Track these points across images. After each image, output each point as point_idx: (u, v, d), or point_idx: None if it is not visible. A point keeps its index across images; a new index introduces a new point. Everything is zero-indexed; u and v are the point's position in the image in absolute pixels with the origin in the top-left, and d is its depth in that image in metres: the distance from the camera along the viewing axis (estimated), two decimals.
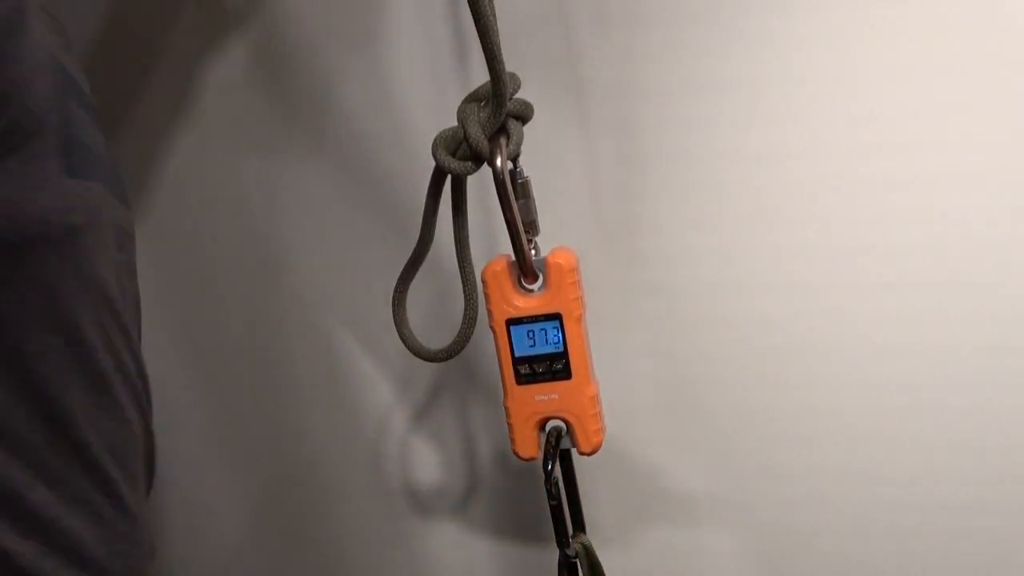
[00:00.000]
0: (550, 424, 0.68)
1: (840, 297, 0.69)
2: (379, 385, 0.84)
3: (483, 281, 0.67)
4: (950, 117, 0.64)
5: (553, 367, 0.66)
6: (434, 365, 0.79)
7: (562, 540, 0.70)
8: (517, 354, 0.66)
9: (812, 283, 0.69)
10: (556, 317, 0.65)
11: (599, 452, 0.68)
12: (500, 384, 0.68)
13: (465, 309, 0.68)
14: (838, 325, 0.70)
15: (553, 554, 0.71)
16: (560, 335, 0.65)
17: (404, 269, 0.71)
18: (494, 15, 0.60)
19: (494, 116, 0.62)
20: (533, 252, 0.66)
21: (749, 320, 0.71)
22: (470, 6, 0.58)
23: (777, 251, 0.69)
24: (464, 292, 0.69)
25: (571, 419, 0.67)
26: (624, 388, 0.76)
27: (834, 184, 0.67)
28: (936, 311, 0.67)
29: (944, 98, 0.64)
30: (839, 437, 0.71)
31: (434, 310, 0.78)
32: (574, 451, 0.69)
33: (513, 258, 0.66)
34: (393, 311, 0.71)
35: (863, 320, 0.69)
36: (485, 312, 0.68)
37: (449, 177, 0.66)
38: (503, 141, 0.63)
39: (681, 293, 0.73)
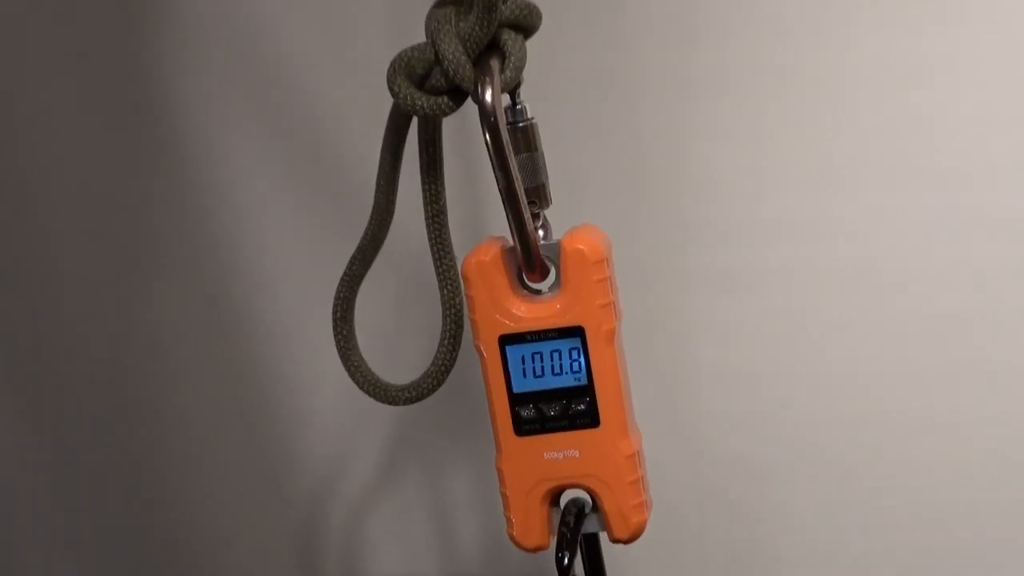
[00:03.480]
0: (567, 496, 0.64)
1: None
2: (313, 441, 0.83)
3: (465, 278, 0.61)
4: None
5: (571, 409, 0.61)
6: (394, 410, 0.76)
7: None
8: (516, 389, 0.61)
9: None
10: (576, 333, 0.60)
11: (641, 538, 0.63)
12: (490, 435, 0.63)
13: (443, 322, 0.64)
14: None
15: None
16: (582, 360, 0.61)
17: (350, 264, 0.66)
18: None
19: (481, 25, 0.58)
20: (541, 234, 0.62)
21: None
22: None
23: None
24: (442, 296, 0.64)
25: (598, 489, 0.62)
26: (683, 438, 0.75)
27: None
28: None
29: None
30: None
31: (396, 325, 0.78)
32: (604, 537, 0.64)
33: (510, 243, 0.61)
34: (334, 328, 0.67)
35: None
36: (468, 325, 0.63)
37: (415, 122, 0.62)
38: (495, 64, 0.59)
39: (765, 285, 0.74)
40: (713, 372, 0.79)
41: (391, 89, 0.59)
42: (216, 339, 0.88)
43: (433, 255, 0.65)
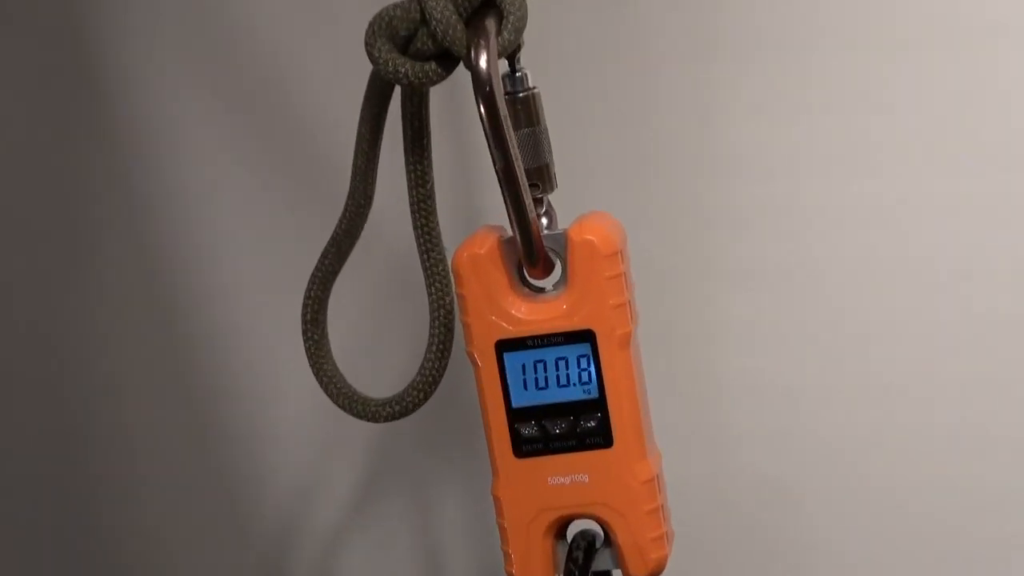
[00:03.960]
0: (574, 528, 0.62)
1: None
2: (277, 464, 0.83)
3: (456, 274, 0.60)
4: None
5: (580, 426, 0.59)
6: (373, 429, 0.73)
7: None
8: (516, 403, 0.59)
9: None
10: (585, 337, 0.58)
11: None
12: (486, 457, 0.62)
13: (431, 325, 0.62)
14: None
15: None
16: (593, 369, 0.59)
17: (322, 258, 0.64)
18: None
19: None
20: (545, 222, 0.59)
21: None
22: None
23: None
24: (429, 295, 0.63)
25: (611, 519, 0.60)
26: (707, 457, 0.76)
27: None
28: None
29: None
30: None
31: (376, 328, 0.78)
32: (617, 575, 0.63)
33: (509, 233, 0.59)
34: (304, 333, 0.65)
35: None
36: (460, 329, 0.62)
37: (398, 92, 0.60)
38: (491, 24, 0.56)
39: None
40: (740, 382, 0.77)
41: (370, 54, 0.57)
42: (164, 345, 0.87)
43: (419, 247, 0.63)
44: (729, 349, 0.77)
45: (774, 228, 0.75)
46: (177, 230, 0.84)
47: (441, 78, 0.57)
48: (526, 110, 0.59)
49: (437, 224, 0.63)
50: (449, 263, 0.62)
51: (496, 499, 0.61)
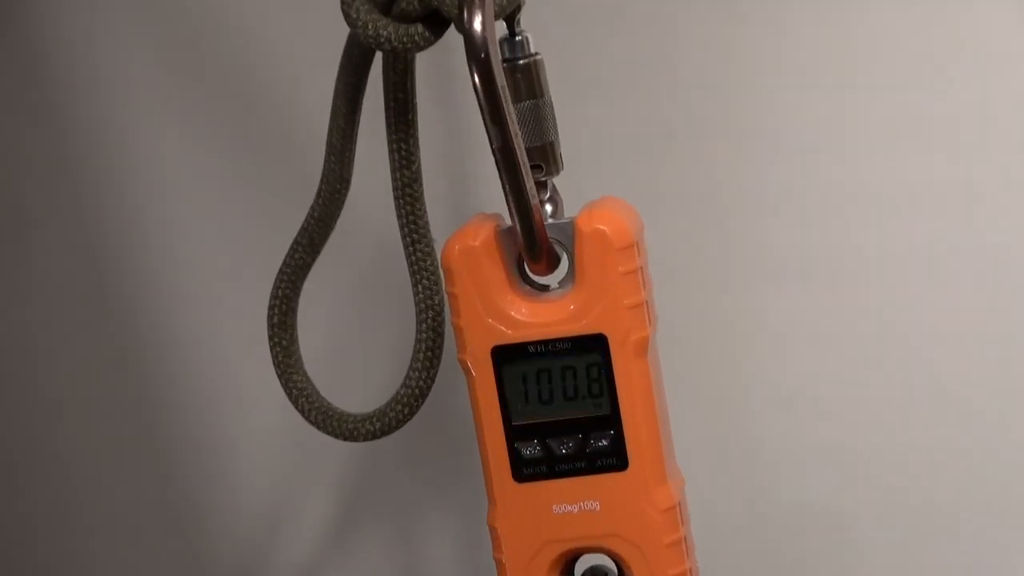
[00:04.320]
0: (583, 563, 0.58)
1: None
2: (240, 491, 0.81)
3: (446, 270, 0.56)
4: None
5: (590, 446, 0.56)
6: (352, 447, 0.72)
7: None
8: (516, 419, 0.56)
9: None
10: (596, 344, 0.55)
11: None
12: (481, 481, 0.59)
13: (418, 329, 0.59)
14: None
15: None
16: (604, 380, 0.55)
17: (291, 251, 0.62)
18: None
19: None
20: (549, 209, 0.56)
21: None
22: None
23: None
24: (415, 294, 0.60)
25: (626, 553, 0.57)
26: (737, 481, 0.75)
27: None
28: None
29: None
30: None
31: (354, 333, 0.78)
32: None
33: (507, 222, 0.55)
34: (271, 338, 0.62)
35: None
36: (451, 333, 0.59)
37: (379, 59, 0.57)
38: None
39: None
40: (775, 393, 0.74)
41: (346, 15, 0.54)
42: (105, 354, 0.83)
43: (404, 239, 0.59)
44: (762, 355, 0.74)
45: (815, 213, 0.72)
46: (121, 217, 0.82)
47: (429, 43, 0.54)
48: (527, 80, 0.55)
49: (424, 212, 0.59)
50: (438, 257, 0.58)
51: (493, 530, 0.58)
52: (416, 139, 0.58)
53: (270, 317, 0.62)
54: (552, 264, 0.55)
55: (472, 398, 0.57)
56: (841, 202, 0.71)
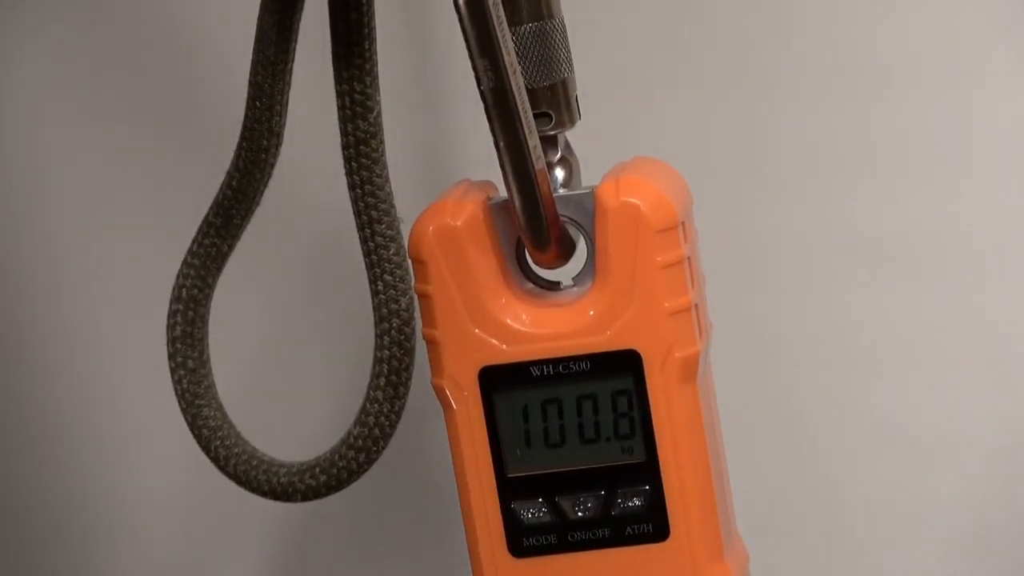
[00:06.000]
0: None
1: None
2: (136, 559, 0.75)
3: (417, 260, 0.49)
4: None
5: (617, 507, 0.50)
6: (285, 509, 0.65)
7: None
8: (513, 470, 0.49)
9: None
10: (626, 363, 0.48)
11: None
12: (465, 554, 0.53)
13: (377, 344, 0.53)
14: None
15: None
16: (637, 415, 0.48)
17: (201, 233, 0.55)
18: None
19: None
20: (560, 176, 0.50)
21: None
22: None
23: None
24: (373, 293, 0.53)
25: None
26: (822, 551, 0.69)
27: None
28: None
29: None
30: None
31: (289, 348, 0.74)
32: None
33: (501, 195, 0.49)
34: (171, 355, 0.56)
35: None
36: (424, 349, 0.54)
37: None
38: None
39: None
40: (868, 425, 0.68)
41: None
42: None
43: (357, 217, 0.52)
44: (848, 372, 0.68)
45: (908, 176, 0.66)
46: None
47: None
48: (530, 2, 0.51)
49: (387, 181, 0.52)
50: (405, 243, 0.51)
51: None
52: (375, 78, 0.51)
53: (170, 328, 0.55)
54: (564, 252, 0.48)
55: (452, 440, 0.50)
56: (949, 166, 0.65)
